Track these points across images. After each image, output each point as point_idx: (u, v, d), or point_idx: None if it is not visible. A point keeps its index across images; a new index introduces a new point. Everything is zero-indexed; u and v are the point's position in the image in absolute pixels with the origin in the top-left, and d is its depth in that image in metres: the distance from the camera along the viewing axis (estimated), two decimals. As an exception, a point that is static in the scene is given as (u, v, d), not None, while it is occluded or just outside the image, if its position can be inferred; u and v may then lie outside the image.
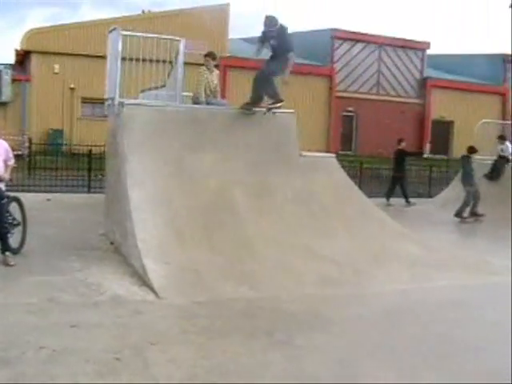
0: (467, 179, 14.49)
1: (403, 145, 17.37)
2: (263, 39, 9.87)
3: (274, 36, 9.63)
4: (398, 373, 5.23)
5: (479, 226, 13.60)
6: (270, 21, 9.65)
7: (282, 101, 9.71)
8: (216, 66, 10.94)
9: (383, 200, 15.86)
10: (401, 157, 17.19)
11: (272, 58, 9.86)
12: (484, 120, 17.95)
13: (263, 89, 9.77)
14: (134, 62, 9.56)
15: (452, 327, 6.51)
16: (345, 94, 32.41)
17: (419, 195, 18.72)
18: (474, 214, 14.37)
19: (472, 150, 14.93)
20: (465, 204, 14.28)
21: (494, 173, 15.19)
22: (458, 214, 14.24)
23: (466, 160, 14.78)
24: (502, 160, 15.27)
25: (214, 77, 10.63)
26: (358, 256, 8.34)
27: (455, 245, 10.96)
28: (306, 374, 5.05)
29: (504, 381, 5.07)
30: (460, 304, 7.43)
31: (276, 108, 9.70)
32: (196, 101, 10.36)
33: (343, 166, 11.30)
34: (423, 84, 34.78)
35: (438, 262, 9.03)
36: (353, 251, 8.51)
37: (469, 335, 6.29)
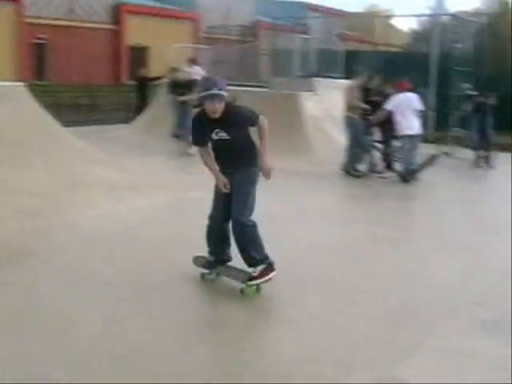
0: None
1: (144, 71, 17.57)
2: None
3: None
4: (113, 300, 5.37)
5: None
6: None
7: None
8: None
9: (87, 128, 15.85)
10: (142, 83, 17.62)
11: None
12: (176, 45, 18.44)
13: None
14: None
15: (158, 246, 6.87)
16: (35, 21, 30.62)
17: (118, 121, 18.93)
18: None
19: (174, 69, 15.47)
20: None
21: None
22: None
23: None
24: (189, 82, 15.71)
25: None
26: (55, 186, 8.16)
27: (154, 167, 11.40)
28: (21, 312, 4.94)
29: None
30: (157, 220, 7.87)
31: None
32: None
33: (37, 96, 10.76)
34: (117, 10, 34.35)
35: (137, 184, 9.31)
36: (50, 181, 8.28)
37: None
